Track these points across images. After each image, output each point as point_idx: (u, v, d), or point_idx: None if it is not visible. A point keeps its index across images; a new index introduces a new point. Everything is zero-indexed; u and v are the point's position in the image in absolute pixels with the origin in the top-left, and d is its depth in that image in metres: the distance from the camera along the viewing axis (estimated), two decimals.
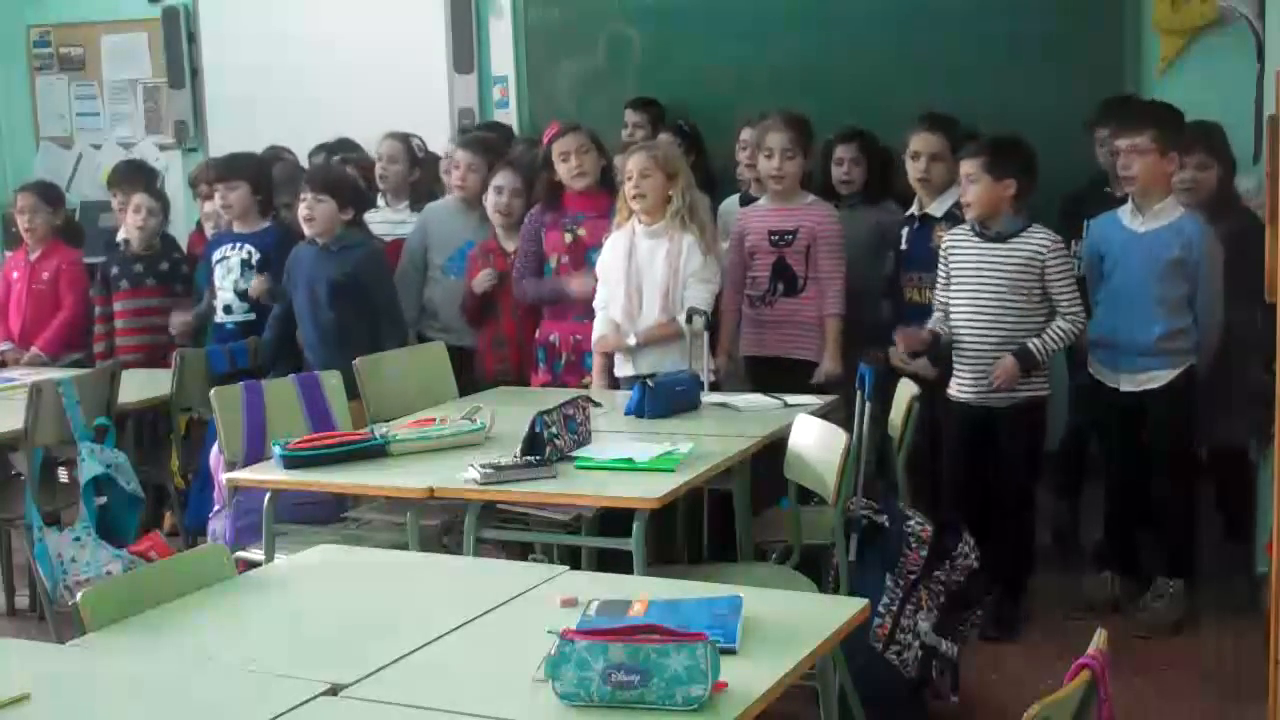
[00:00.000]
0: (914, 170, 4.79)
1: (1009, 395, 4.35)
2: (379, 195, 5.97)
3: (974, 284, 4.38)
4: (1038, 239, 4.32)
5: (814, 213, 4.91)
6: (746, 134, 5.31)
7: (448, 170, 5.72)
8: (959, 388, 4.43)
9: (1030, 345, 4.30)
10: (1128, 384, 4.44)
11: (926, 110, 5.01)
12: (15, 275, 5.96)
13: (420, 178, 5.94)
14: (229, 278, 5.47)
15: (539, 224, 4.98)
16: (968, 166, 4.35)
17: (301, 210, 5.01)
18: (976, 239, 4.39)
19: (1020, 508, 4.49)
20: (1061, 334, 4.32)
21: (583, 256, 4.89)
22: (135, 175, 6.30)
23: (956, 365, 4.45)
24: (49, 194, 6.05)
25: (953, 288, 4.43)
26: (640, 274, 4.57)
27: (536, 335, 5.03)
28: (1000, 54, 5.88)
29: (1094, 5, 5.84)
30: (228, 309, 5.49)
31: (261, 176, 5.64)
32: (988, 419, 4.40)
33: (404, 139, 5.97)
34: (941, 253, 4.49)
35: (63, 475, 5.14)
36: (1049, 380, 4.45)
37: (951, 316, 4.44)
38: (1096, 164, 5.10)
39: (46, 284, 5.89)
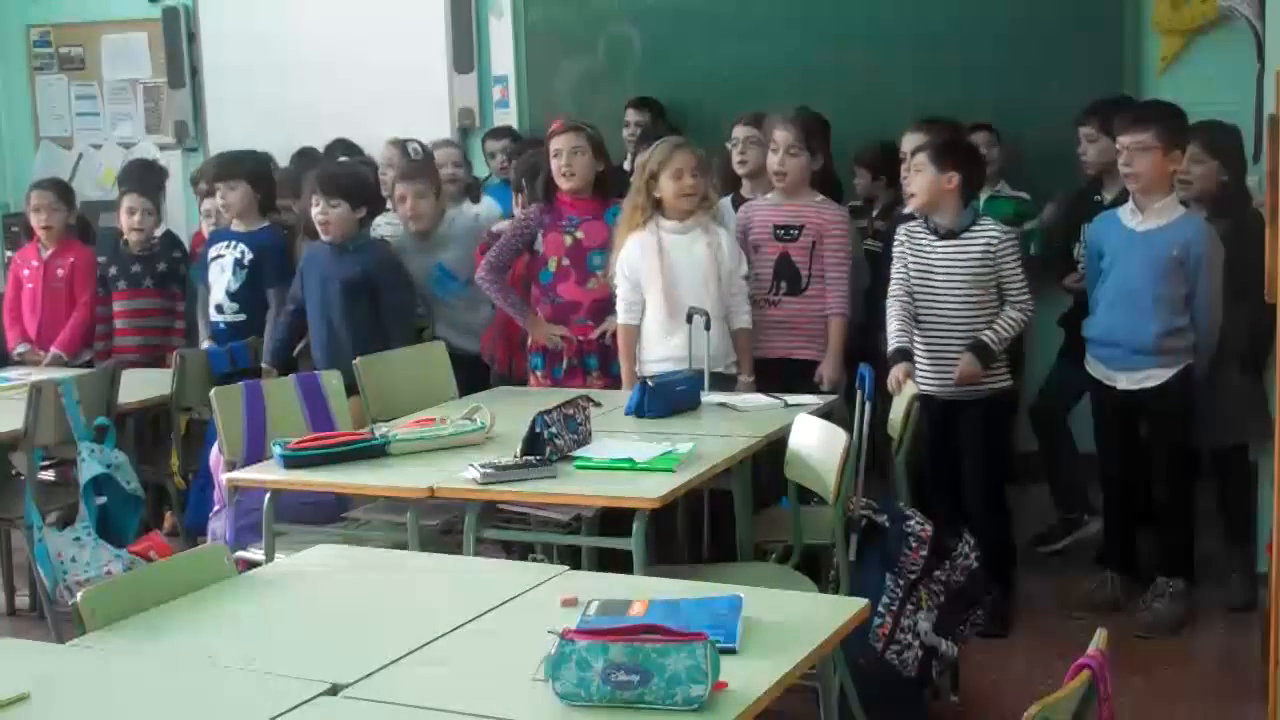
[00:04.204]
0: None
1: (973, 389, 4.38)
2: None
3: (934, 281, 4.42)
4: (989, 232, 4.40)
5: (822, 211, 4.89)
6: (739, 130, 5.31)
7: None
8: (921, 378, 4.41)
9: (984, 338, 4.36)
10: (1125, 382, 4.44)
11: (925, 109, 5.04)
12: (26, 274, 5.94)
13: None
14: (222, 276, 5.46)
15: (537, 224, 4.95)
16: (916, 158, 4.41)
17: (316, 216, 5.01)
18: (930, 236, 4.43)
19: (993, 500, 4.50)
20: (1012, 322, 4.39)
21: (584, 258, 4.87)
22: (137, 175, 6.30)
23: (918, 357, 4.46)
24: (63, 192, 6.05)
25: (914, 282, 4.46)
26: (674, 272, 4.55)
27: (531, 341, 4.99)
28: (1000, 54, 5.89)
29: (1094, 5, 5.84)
30: (219, 308, 5.48)
31: (262, 176, 5.64)
32: (952, 413, 4.42)
33: (401, 145, 5.99)
34: (898, 246, 4.52)
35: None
36: (1009, 371, 4.49)
37: (918, 308, 4.47)
38: (1084, 170, 5.12)
39: (62, 281, 5.87)
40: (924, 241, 4.44)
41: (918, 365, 4.44)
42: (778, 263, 4.87)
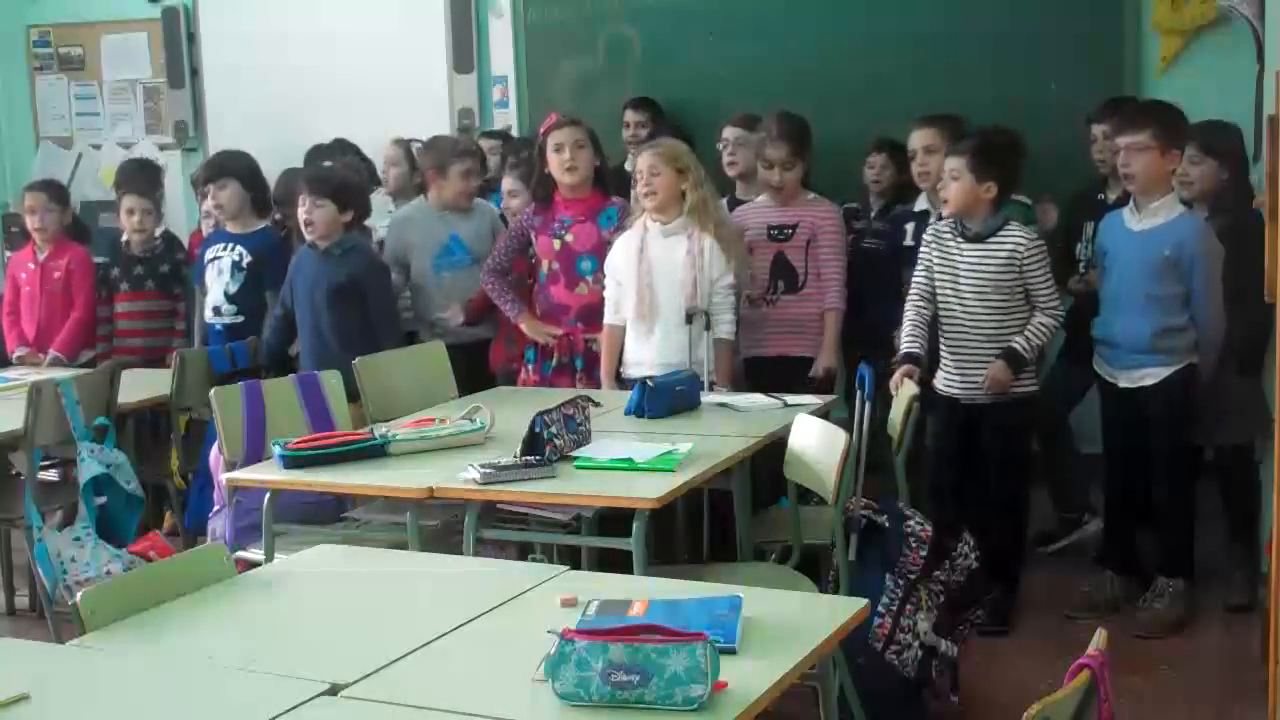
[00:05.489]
0: (914, 166, 4.96)
1: (999, 395, 4.38)
2: (389, 198, 6.01)
3: (958, 284, 4.41)
4: (1015, 237, 4.37)
5: (815, 209, 4.93)
6: (728, 132, 5.33)
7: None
8: (946, 382, 4.44)
9: (1015, 345, 4.34)
10: (1125, 380, 4.45)
11: (925, 109, 5.06)
12: (23, 277, 5.93)
13: (423, 181, 5.95)
14: (220, 279, 5.45)
15: (529, 226, 4.97)
16: (952, 163, 4.39)
17: (301, 214, 5.00)
18: (958, 238, 4.42)
19: (1012, 504, 4.50)
20: (1043, 329, 4.37)
21: (572, 263, 4.87)
22: (135, 176, 6.29)
23: (943, 359, 4.47)
24: (57, 193, 6.02)
25: (936, 284, 4.46)
26: (652, 273, 4.54)
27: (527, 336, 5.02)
28: (1001, 54, 5.89)
29: (1094, 5, 5.84)
30: (216, 310, 5.47)
31: (252, 174, 5.61)
32: (975, 416, 4.42)
33: (405, 145, 6.00)
34: (924, 248, 4.52)
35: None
36: (1036, 377, 4.48)
37: (939, 311, 4.46)
38: (1095, 168, 5.11)
39: (59, 283, 5.85)
40: (951, 245, 4.42)
41: (943, 369, 4.44)
42: (774, 263, 4.90)
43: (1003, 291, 4.36)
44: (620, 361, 4.67)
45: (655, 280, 4.54)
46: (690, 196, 4.53)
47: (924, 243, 4.52)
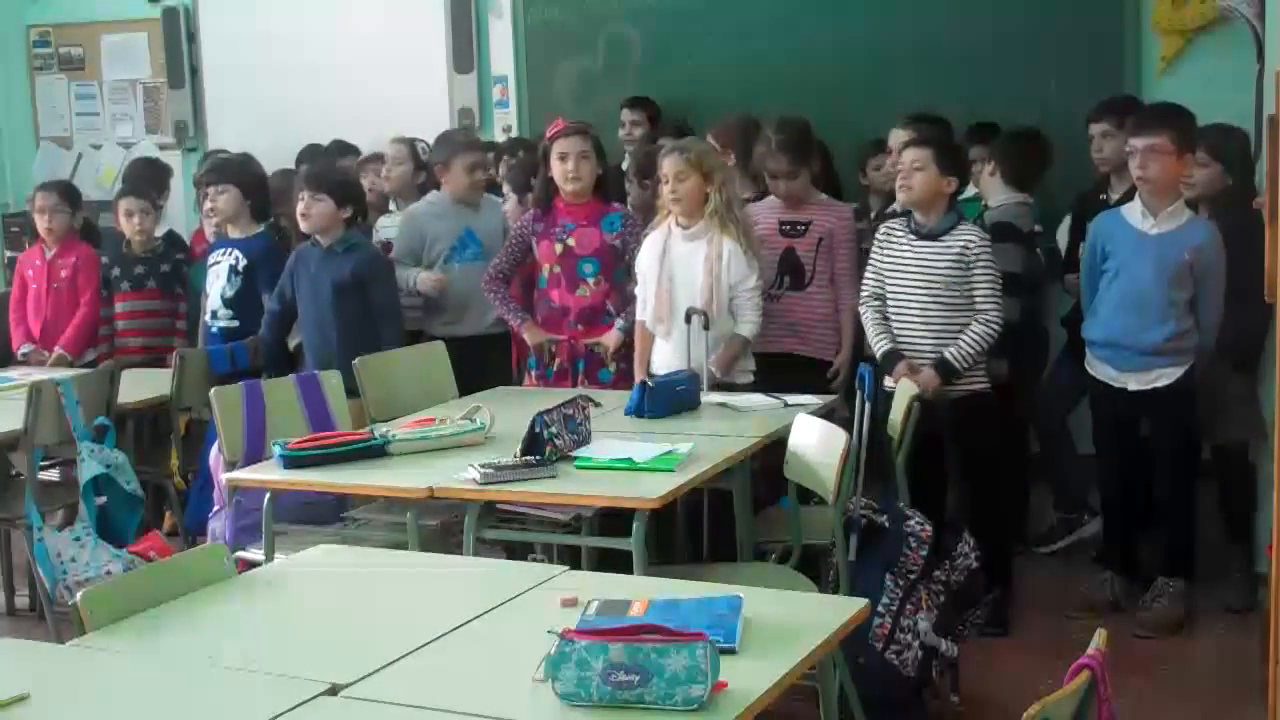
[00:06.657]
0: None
1: (944, 391, 4.36)
2: (389, 199, 6.00)
3: (909, 281, 4.41)
4: (966, 235, 4.37)
5: (827, 210, 4.92)
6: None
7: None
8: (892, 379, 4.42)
9: (947, 356, 4.32)
10: (1134, 383, 4.43)
11: (925, 110, 5.06)
12: (30, 274, 5.93)
13: (426, 180, 5.95)
14: (218, 283, 5.45)
15: (530, 232, 4.95)
16: (916, 154, 4.37)
17: (299, 209, 5.01)
18: (910, 235, 4.42)
19: (991, 501, 4.49)
20: (976, 339, 4.33)
21: (574, 266, 4.86)
22: (134, 177, 6.29)
23: None
24: (69, 194, 6.01)
25: (886, 282, 4.46)
26: (673, 276, 4.52)
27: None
28: (1001, 54, 5.89)
29: (1094, 5, 5.84)
30: (214, 314, 5.46)
31: (251, 179, 5.59)
32: (926, 412, 4.40)
33: (409, 143, 6.01)
34: (875, 245, 4.52)
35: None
36: (986, 374, 4.44)
37: (889, 310, 4.46)
38: (1095, 168, 5.11)
39: (65, 281, 5.85)
40: (902, 241, 4.43)
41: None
42: (782, 258, 4.87)
43: (951, 289, 4.36)
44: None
45: (675, 283, 4.53)
46: (713, 200, 4.50)
47: (875, 243, 4.52)
